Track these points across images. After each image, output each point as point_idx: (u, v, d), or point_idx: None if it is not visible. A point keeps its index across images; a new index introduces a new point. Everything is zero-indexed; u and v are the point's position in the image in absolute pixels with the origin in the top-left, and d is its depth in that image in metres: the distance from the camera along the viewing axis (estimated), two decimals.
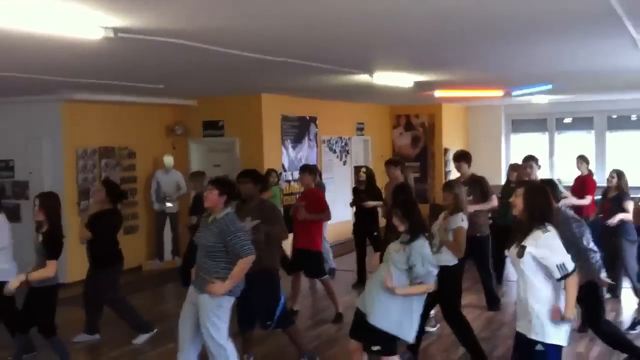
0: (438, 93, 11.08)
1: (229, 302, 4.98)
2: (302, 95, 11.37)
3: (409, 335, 4.79)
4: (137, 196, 10.94)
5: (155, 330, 6.83)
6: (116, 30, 4.75)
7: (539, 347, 4.07)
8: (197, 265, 5.03)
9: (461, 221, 5.88)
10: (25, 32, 4.74)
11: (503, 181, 11.21)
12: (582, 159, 9.48)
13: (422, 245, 4.79)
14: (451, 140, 14.86)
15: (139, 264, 10.61)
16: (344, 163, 13.45)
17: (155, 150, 11.10)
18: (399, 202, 5.10)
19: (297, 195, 7.93)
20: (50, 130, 9.65)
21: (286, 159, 11.45)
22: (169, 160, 10.77)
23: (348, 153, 13.59)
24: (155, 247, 10.95)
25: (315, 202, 7.45)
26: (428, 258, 4.78)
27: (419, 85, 9.46)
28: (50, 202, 5.70)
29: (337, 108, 12.90)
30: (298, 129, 11.82)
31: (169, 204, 10.64)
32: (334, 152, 13.12)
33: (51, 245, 5.54)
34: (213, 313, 4.85)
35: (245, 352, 5.77)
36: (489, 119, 15.52)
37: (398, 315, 4.69)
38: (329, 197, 9.31)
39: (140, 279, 10.00)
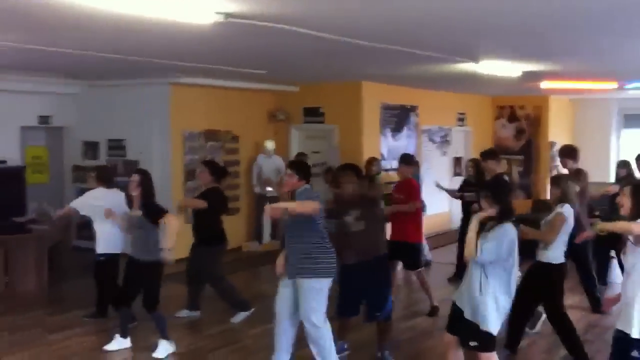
0: (545, 84, 10.67)
1: (327, 285, 5.01)
2: (403, 83, 11.25)
3: (495, 327, 4.61)
4: (239, 179, 11.23)
5: (252, 310, 6.99)
6: (228, 15, 4.86)
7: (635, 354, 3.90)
8: (286, 251, 5.08)
9: (561, 208, 5.59)
10: (140, 16, 4.94)
11: (612, 179, 10.66)
12: None
13: (506, 230, 4.53)
14: (557, 133, 14.28)
15: (238, 245, 10.90)
16: (444, 154, 13.24)
17: (257, 135, 11.34)
18: (490, 184, 4.94)
19: (393, 186, 7.76)
20: (159, 112, 10.06)
21: (385, 147, 11.39)
22: (270, 145, 10.96)
23: (448, 144, 13.36)
24: (254, 230, 11.22)
25: (408, 193, 7.25)
26: (503, 245, 4.45)
27: (526, 75, 9.13)
28: (147, 180, 5.93)
29: (438, 97, 12.69)
30: (398, 117, 11.72)
31: (269, 188, 10.85)
32: (434, 142, 12.93)
33: (153, 210, 5.75)
34: (312, 297, 4.91)
35: (340, 339, 5.66)
36: (598, 113, 14.76)
37: (487, 309, 4.53)
38: (426, 188, 9.20)
39: (239, 259, 10.27)
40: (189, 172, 10.12)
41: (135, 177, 5.87)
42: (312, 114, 11.40)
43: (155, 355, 5.83)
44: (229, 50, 7.11)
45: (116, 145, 10.47)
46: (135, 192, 5.82)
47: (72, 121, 10.67)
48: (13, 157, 9.72)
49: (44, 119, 10.30)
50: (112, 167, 9.46)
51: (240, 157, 11.22)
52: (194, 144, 10.37)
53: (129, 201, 6.10)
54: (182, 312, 7.09)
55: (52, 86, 10.01)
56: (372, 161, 9.39)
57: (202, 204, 6.79)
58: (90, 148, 10.67)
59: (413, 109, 12.12)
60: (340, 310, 5.63)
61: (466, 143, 13.93)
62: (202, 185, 7.12)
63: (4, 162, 9.34)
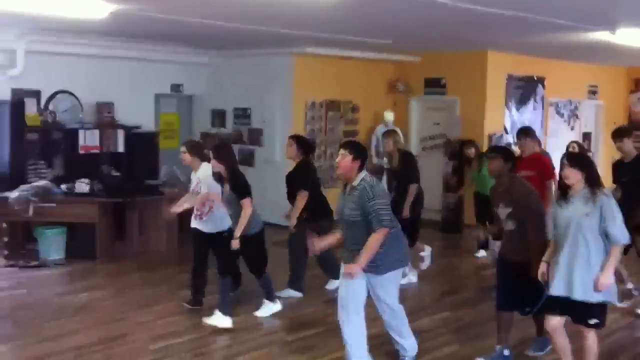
0: None
1: (397, 276, 4.76)
2: (530, 53, 10.78)
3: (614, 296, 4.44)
4: None
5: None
6: None
7: None
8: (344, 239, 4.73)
9: None
10: None
11: None
12: None
13: (609, 201, 4.20)
14: None
15: None
16: (572, 128, 12.63)
17: (377, 105, 11.32)
18: (572, 154, 4.56)
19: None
20: (283, 82, 10.27)
21: (509, 121, 11.04)
22: (389, 116, 10.92)
23: (577, 118, 12.73)
24: None
25: (540, 170, 6.52)
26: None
27: None
28: (224, 152, 5.77)
29: (568, 69, 12.07)
30: (523, 89, 11.29)
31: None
32: (562, 116, 12.37)
33: (239, 187, 5.67)
34: (383, 290, 4.68)
35: (500, 342, 5.01)
36: None
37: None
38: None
39: None
40: None
41: (212, 154, 5.71)
42: (434, 84, 11.22)
43: (257, 314, 6.03)
44: (355, 21, 7.13)
45: (242, 114, 10.84)
46: (218, 169, 5.71)
47: (201, 89, 11.17)
48: (147, 122, 10.33)
49: (176, 87, 10.85)
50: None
51: (360, 127, 11.28)
52: (315, 114, 10.53)
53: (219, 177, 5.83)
54: (285, 292, 6.66)
55: (183, 55, 10.49)
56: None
57: (302, 200, 6.50)
58: (218, 116, 11.12)
59: (540, 80, 11.62)
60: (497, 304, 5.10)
61: (597, 117, 13.22)
62: (292, 159, 6.71)
63: (138, 127, 9.93)
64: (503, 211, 4.86)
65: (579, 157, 4.58)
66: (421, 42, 9.57)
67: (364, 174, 4.54)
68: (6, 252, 7.85)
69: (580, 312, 4.30)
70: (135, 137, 9.77)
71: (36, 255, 7.87)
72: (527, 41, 8.93)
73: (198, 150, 6.18)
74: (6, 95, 8.82)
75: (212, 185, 5.91)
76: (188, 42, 9.81)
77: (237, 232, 5.64)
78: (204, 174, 6.00)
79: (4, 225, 7.94)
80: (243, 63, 10.64)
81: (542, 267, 4.45)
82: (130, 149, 9.64)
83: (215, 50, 10.60)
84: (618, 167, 6.54)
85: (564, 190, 4.32)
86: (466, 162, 8.52)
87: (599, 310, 4.31)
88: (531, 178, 5.94)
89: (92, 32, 8.68)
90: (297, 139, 6.77)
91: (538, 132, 10.65)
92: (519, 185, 4.88)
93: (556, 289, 4.30)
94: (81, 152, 9.19)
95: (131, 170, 9.44)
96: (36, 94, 9.06)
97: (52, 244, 7.95)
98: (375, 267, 4.54)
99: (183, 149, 6.15)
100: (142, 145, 9.80)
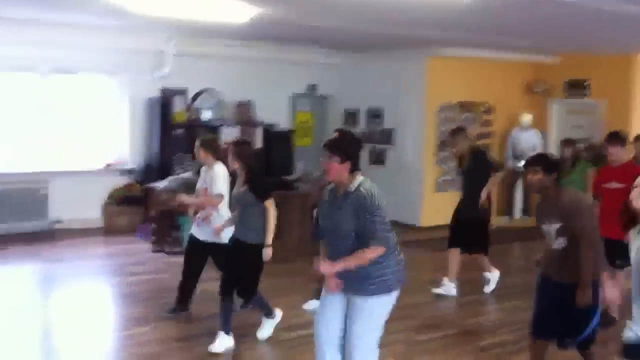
0: None
1: (388, 305, 3.77)
2: None
3: None
4: (491, 152, 11.07)
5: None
6: None
7: None
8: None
9: None
10: None
11: None
12: None
13: None
14: None
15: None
16: None
17: (513, 107, 11.03)
18: None
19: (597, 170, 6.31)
20: (416, 84, 10.28)
21: None
22: (527, 118, 10.62)
23: None
24: (505, 204, 11.03)
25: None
26: None
27: None
28: (241, 150, 5.16)
29: None
30: None
31: (523, 162, 10.55)
32: None
33: (260, 186, 5.09)
34: (364, 318, 3.70)
35: None
36: None
37: None
38: None
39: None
40: (440, 142, 10.24)
41: (230, 150, 5.14)
42: (575, 86, 10.76)
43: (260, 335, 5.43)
44: (493, 21, 7.03)
45: (374, 114, 10.96)
46: (235, 166, 5.14)
47: (335, 90, 11.41)
48: (283, 121, 10.71)
49: (311, 87, 11.16)
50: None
51: (494, 129, 11.04)
52: (449, 115, 10.44)
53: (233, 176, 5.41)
54: (309, 304, 6.23)
55: (318, 56, 10.78)
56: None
57: None
58: (351, 116, 11.32)
59: None
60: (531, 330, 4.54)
61: None
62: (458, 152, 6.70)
63: (275, 125, 10.32)
64: (550, 228, 4.24)
65: None
66: (562, 43, 9.21)
67: (360, 178, 3.71)
68: (154, 239, 8.46)
69: None
70: (272, 135, 10.17)
71: (180, 242, 8.42)
72: None
73: (213, 148, 5.70)
74: (156, 94, 9.53)
75: (220, 189, 5.50)
76: (322, 43, 10.07)
77: (269, 239, 5.00)
78: (215, 174, 5.54)
79: (153, 213, 8.58)
80: (376, 64, 10.76)
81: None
82: (268, 146, 10.05)
83: (351, 51, 10.80)
84: None
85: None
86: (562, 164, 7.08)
87: None
88: (622, 190, 4.70)
89: (234, 35, 9.15)
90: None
91: None
92: (569, 196, 4.26)
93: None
94: (223, 146, 9.66)
95: (268, 166, 9.85)
96: (183, 92, 9.70)
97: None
98: (367, 285, 3.65)
99: (197, 144, 5.69)
100: (279, 142, 10.19)
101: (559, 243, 4.23)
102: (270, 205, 5.04)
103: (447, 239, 6.84)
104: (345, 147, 3.72)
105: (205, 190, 5.61)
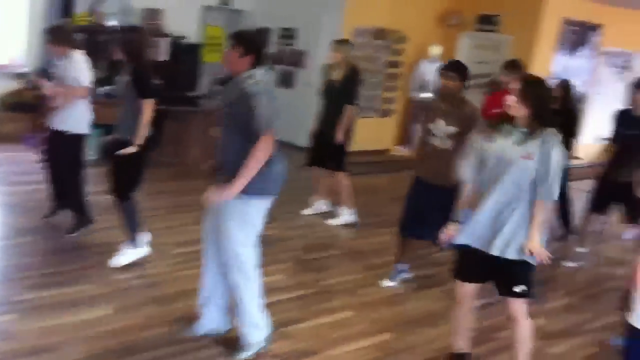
0: None
1: (260, 209, 3.80)
2: None
3: None
4: (398, 81, 11.20)
5: None
6: None
7: None
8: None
9: None
10: None
11: None
12: None
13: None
14: None
15: (386, 147, 11.08)
16: (621, 80, 12.24)
17: (425, 38, 11.12)
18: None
19: None
20: (334, 4, 10.11)
21: (558, 66, 10.75)
22: (436, 50, 10.74)
23: (628, 70, 12.32)
24: (404, 133, 11.29)
25: None
26: None
27: None
28: (128, 38, 4.80)
29: (628, 17, 11.59)
30: (577, 35, 10.94)
31: (426, 94, 10.77)
32: (615, 67, 11.97)
33: (140, 82, 4.70)
34: (234, 217, 3.77)
35: (399, 261, 5.19)
36: None
37: None
38: (594, 115, 8.68)
39: (385, 162, 10.45)
40: None
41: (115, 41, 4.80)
42: (487, 21, 10.92)
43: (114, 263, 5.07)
44: None
45: (287, 34, 10.77)
46: (119, 56, 4.78)
47: (250, 5, 11.09)
48: (193, 34, 10.36)
49: (224, 1, 10.78)
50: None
51: (404, 59, 11.12)
52: (363, 40, 10.40)
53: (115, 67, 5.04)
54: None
55: None
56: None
57: None
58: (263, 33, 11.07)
59: (596, 27, 11.21)
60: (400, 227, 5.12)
61: None
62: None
63: (182, 37, 9.98)
64: (444, 129, 4.60)
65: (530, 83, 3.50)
66: None
67: (256, 72, 3.62)
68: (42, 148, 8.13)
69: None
70: (180, 48, 9.83)
71: None
72: None
73: (65, 37, 5.18)
74: None
75: (86, 79, 5.20)
76: None
77: (138, 139, 4.72)
78: (77, 64, 5.16)
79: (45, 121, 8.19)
80: None
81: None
82: (174, 58, 9.73)
83: None
84: (622, 117, 5.89)
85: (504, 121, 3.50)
86: None
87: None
88: None
89: None
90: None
91: (586, 81, 10.39)
92: (472, 107, 4.66)
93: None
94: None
95: (173, 80, 9.56)
96: None
97: (91, 145, 8.18)
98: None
99: (46, 39, 5.17)
100: (186, 56, 9.87)
101: (445, 144, 4.59)
102: (147, 106, 4.70)
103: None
104: (250, 39, 3.63)
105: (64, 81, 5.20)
